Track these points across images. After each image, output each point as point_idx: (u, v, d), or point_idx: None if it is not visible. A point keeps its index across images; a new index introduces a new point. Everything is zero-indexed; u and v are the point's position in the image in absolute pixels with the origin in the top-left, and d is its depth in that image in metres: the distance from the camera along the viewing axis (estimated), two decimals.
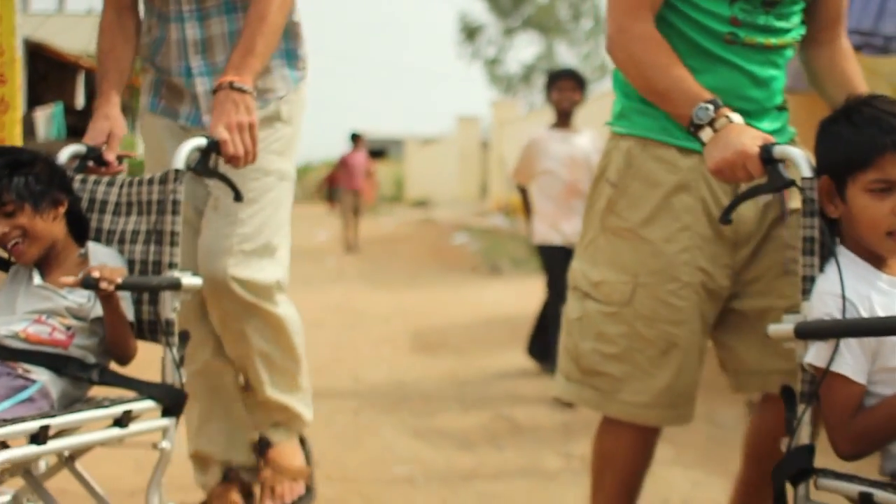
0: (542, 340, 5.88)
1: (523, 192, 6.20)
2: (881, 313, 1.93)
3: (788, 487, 1.96)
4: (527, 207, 6.17)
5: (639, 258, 2.37)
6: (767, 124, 2.36)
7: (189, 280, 2.39)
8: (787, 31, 2.37)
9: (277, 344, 2.95)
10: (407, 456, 4.20)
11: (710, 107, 2.14)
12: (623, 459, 2.50)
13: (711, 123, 2.13)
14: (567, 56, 36.56)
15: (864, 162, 1.96)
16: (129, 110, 15.65)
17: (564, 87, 5.87)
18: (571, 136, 5.86)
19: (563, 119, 5.92)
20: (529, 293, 9.02)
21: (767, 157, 2.04)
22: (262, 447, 3.03)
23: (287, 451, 3.05)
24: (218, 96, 2.55)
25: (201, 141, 2.46)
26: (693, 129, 2.16)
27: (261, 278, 2.83)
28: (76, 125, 20.83)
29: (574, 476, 3.95)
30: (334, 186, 17.60)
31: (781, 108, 2.44)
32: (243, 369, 2.99)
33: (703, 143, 2.14)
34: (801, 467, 1.95)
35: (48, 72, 21.08)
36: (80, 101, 21.60)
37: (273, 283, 2.88)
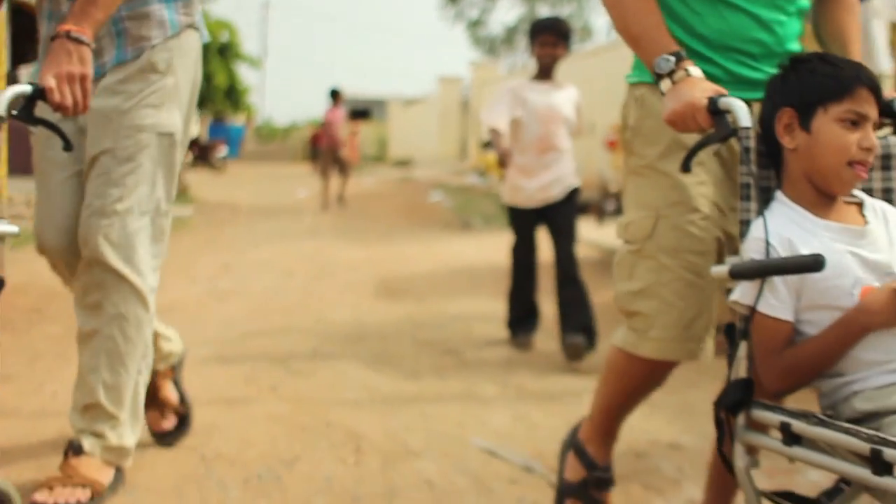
0: (513, 308, 5.78)
1: (496, 133, 5.58)
2: (805, 253, 2.01)
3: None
4: (501, 161, 5.63)
5: (658, 192, 2.45)
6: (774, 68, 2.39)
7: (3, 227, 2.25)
8: None
9: (125, 329, 2.84)
10: (357, 383, 4.63)
11: (672, 58, 2.22)
12: (632, 378, 2.59)
13: (671, 75, 2.21)
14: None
15: (840, 93, 2.06)
16: None
17: (546, 42, 5.57)
18: (551, 90, 5.63)
19: (544, 73, 5.65)
20: (494, 246, 9.46)
21: (714, 109, 2.12)
22: (72, 449, 2.90)
23: (91, 467, 2.88)
24: (53, 45, 2.47)
25: (26, 88, 2.38)
26: (656, 77, 2.26)
27: (131, 242, 2.78)
28: None
29: (507, 402, 4.38)
30: (318, 146, 17.71)
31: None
32: (85, 355, 2.89)
33: (662, 93, 2.24)
34: (737, 399, 2.04)
35: (32, 30, 21.40)
36: None
37: (144, 250, 2.82)
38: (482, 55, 36.88)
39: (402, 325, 6.18)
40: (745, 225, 2.11)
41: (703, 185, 2.39)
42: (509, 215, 5.80)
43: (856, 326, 1.98)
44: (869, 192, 2.26)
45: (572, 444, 2.83)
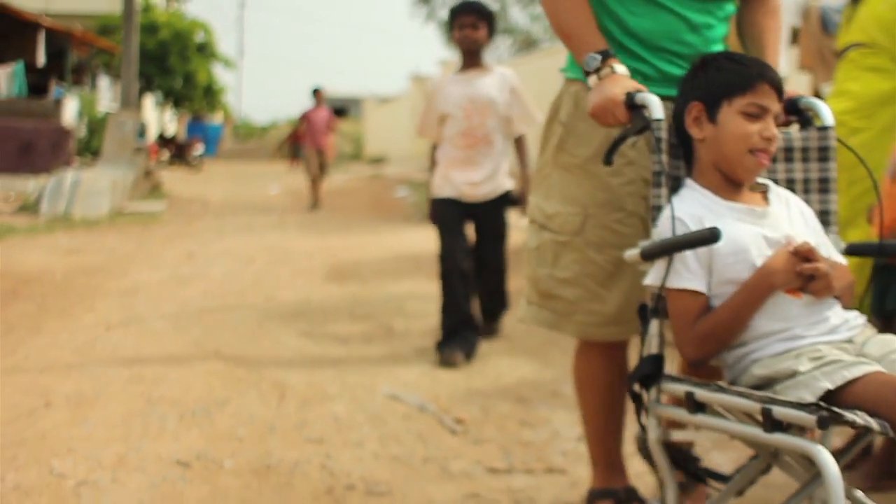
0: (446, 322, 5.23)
1: (434, 147, 5.43)
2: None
3: None
4: (432, 163, 5.44)
5: (587, 191, 2.59)
6: None
7: None
8: None
9: None
10: (292, 348, 5.32)
11: (599, 56, 2.37)
12: (597, 378, 2.78)
13: (597, 71, 2.36)
14: (520, 16, 37.33)
15: (743, 87, 2.19)
16: (87, 68, 16.66)
17: (464, 24, 5.13)
18: (475, 78, 5.20)
19: (469, 59, 5.24)
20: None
21: (631, 104, 2.27)
22: None
23: None
24: None
25: None
26: (584, 74, 2.40)
27: None
28: (37, 83, 21.52)
29: (421, 363, 5.07)
30: (299, 143, 16.17)
31: None
32: None
33: (589, 89, 2.38)
34: (647, 373, 2.19)
35: (9, 31, 21.71)
36: (40, 59, 22.21)
37: None
38: (454, 54, 37.47)
39: (343, 303, 6.86)
40: (657, 210, 2.24)
41: (631, 184, 2.54)
42: (436, 209, 5.31)
43: (759, 287, 2.10)
44: (774, 182, 2.37)
45: (591, 495, 2.86)
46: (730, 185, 2.25)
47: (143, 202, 14.60)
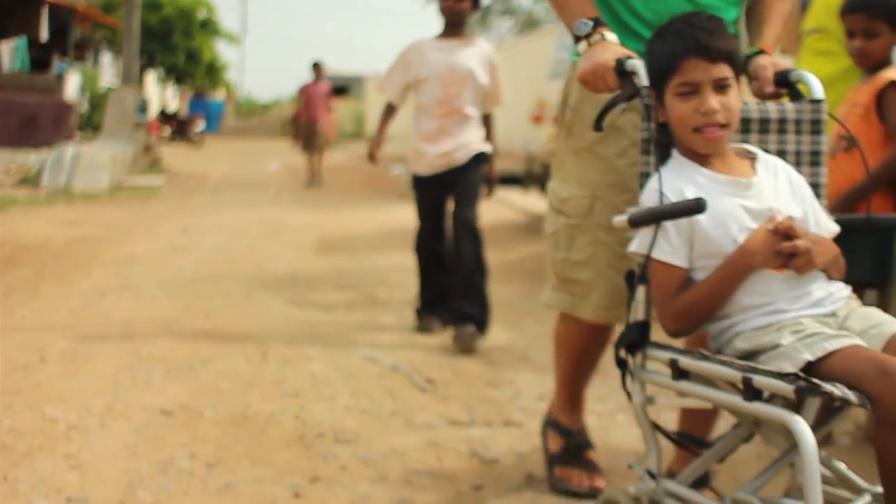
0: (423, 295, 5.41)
1: (389, 109, 5.36)
2: None
3: None
4: (370, 154, 5.47)
5: (595, 174, 2.64)
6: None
7: None
8: None
9: None
10: (277, 314, 5.58)
11: (590, 22, 2.37)
12: (575, 343, 2.93)
13: (587, 37, 2.37)
14: None
15: (669, 68, 2.17)
16: (90, 44, 16.87)
17: None
18: (457, 47, 5.12)
19: (451, 28, 5.16)
20: None
21: (621, 70, 2.28)
22: None
23: None
24: None
25: None
26: (574, 39, 2.41)
27: None
28: (40, 58, 21.65)
29: (400, 328, 5.33)
30: (298, 120, 15.75)
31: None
32: None
33: (578, 55, 2.39)
34: (633, 339, 2.22)
35: (12, 6, 21.83)
36: (43, 34, 22.36)
37: None
38: None
39: (330, 274, 7.12)
40: (644, 177, 2.26)
41: (635, 165, 2.48)
42: (412, 185, 5.36)
43: (738, 267, 2.11)
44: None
45: (547, 421, 3.17)
46: (704, 155, 2.24)
47: (142, 177, 14.86)
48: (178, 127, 28.44)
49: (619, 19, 2.61)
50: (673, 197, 2.15)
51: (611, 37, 2.36)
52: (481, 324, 4.95)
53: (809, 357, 1.94)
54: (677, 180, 2.18)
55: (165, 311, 5.49)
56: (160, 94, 31.40)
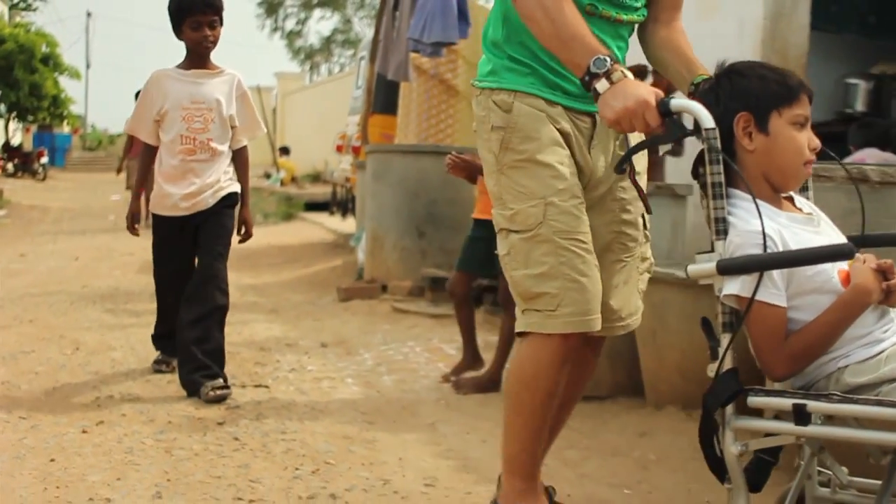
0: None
1: (149, 152, 4.87)
2: (792, 245, 2.15)
3: None
4: (129, 222, 5.02)
5: (542, 182, 2.51)
6: None
7: None
8: (636, 9, 2.63)
9: None
10: (94, 319, 6.70)
11: (608, 59, 2.28)
12: (542, 376, 2.54)
13: (608, 75, 2.26)
14: (363, 26, 38.87)
15: (790, 97, 2.21)
16: None
17: (202, 22, 4.61)
18: (202, 77, 4.72)
19: (199, 59, 4.73)
20: (261, 236, 11.55)
21: (665, 110, 2.19)
22: None
23: None
24: None
25: None
26: (588, 77, 2.30)
27: None
28: None
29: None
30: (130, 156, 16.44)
31: None
32: None
33: (596, 92, 2.29)
34: (733, 391, 2.11)
35: None
36: None
37: None
38: (299, 65, 38.83)
39: (147, 289, 8.01)
40: (721, 222, 2.16)
41: (574, 175, 2.55)
42: (153, 226, 4.97)
43: (856, 306, 2.14)
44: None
45: None
46: (775, 193, 2.28)
47: None
48: (22, 161, 28.71)
49: (532, 53, 2.59)
50: (777, 238, 2.16)
51: (629, 74, 2.32)
52: (219, 374, 4.64)
53: None
54: (768, 222, 2.15)
55: None
56: (2, 128, 31.54)
